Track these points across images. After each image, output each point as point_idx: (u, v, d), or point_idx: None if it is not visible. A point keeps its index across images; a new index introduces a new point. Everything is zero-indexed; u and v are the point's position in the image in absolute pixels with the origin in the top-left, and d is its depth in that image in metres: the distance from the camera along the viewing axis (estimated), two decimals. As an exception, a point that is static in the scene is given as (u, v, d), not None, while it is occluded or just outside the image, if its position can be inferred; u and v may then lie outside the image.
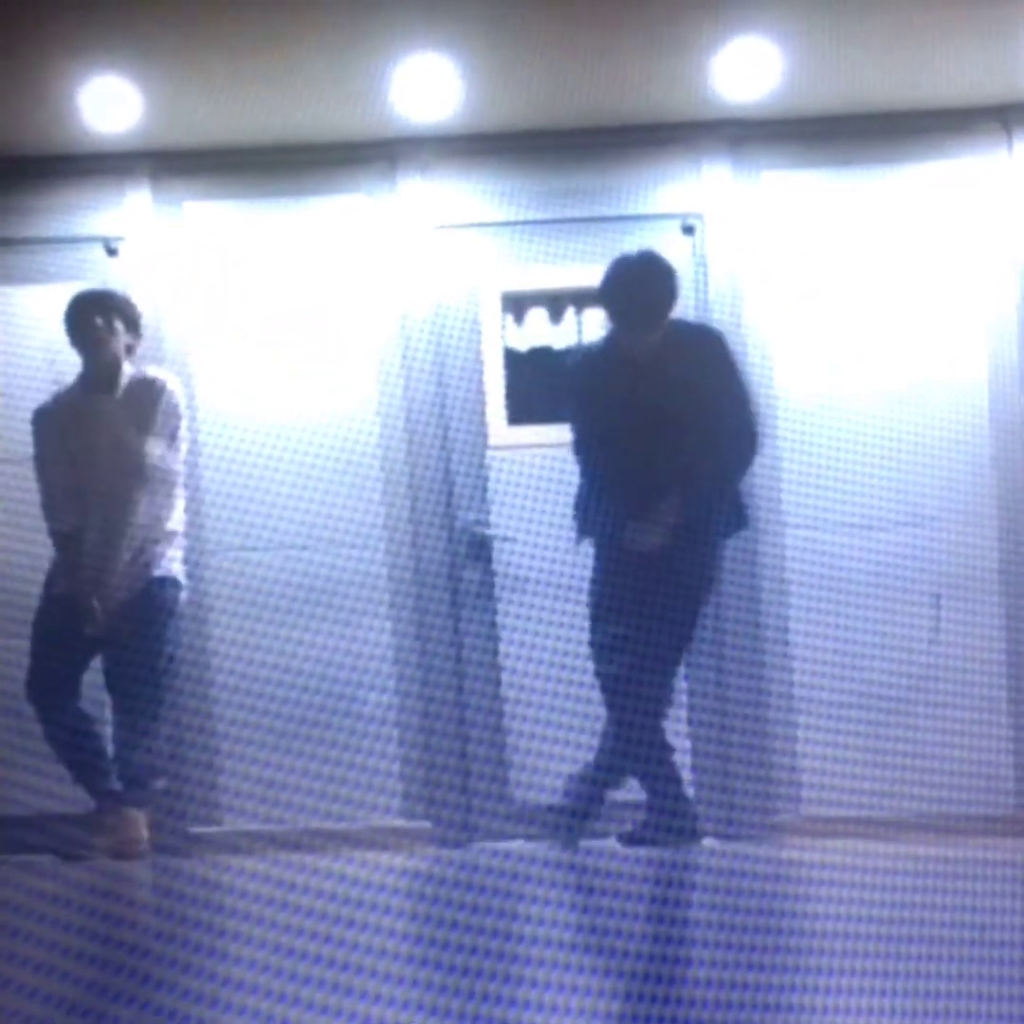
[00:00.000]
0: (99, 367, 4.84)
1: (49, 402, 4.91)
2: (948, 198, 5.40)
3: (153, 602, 4.72)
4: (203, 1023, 2.68)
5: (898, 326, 5.37)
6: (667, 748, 4.59)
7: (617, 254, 4.78)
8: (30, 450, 4.88)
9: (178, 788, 4.96)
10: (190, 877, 4.52)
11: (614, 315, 4.71)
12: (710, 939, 3.45)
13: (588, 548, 4.71)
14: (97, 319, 4.83)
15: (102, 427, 4.78)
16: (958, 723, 4.66)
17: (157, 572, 4.74)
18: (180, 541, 4.83)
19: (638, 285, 4.65)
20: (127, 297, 4.96)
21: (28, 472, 4.89)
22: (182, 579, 4.83)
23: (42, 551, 4.96)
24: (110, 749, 4.74)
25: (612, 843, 4.62)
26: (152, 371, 4.89)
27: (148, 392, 4.80)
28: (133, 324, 4.90)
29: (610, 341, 4.78)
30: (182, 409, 4.84)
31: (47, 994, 2.95)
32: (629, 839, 4.59)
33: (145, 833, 4.74)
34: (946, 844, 4.48)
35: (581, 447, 4.74)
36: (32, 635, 4.78)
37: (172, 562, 4.79)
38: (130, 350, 4.88)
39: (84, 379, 4.88)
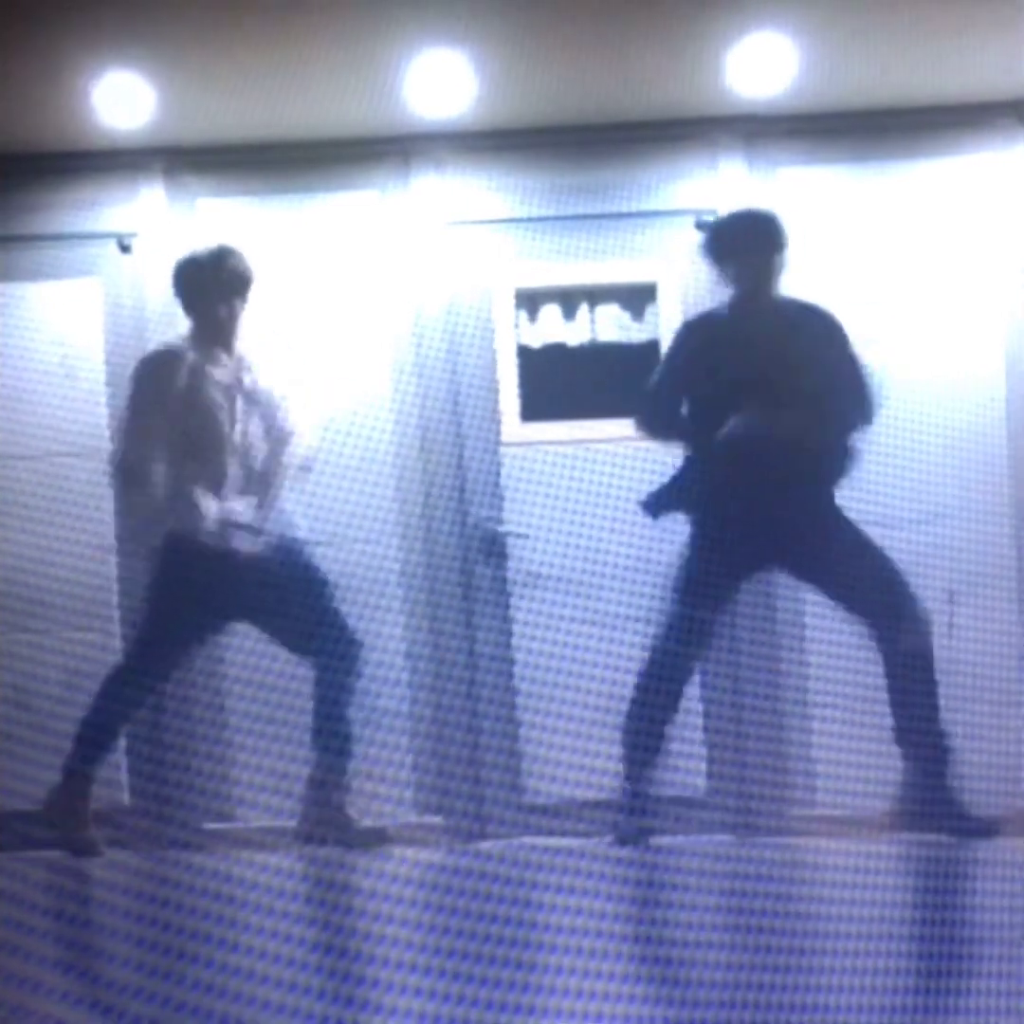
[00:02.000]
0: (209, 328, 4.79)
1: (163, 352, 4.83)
2: (964, 193, 5.39)
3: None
4: (217, 1017, 2.67)
5: (914, 322, 5.36)
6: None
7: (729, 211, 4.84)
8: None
9: (191, 783, 4.97)
10: (203, 872, 4.52)
11: (722, 270, 4.69)
12: (726, 936, 3.44)
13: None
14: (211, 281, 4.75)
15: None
16: (974, 719, 4.65)
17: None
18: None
19: (747, 238, 4.67)
20: (240, 255, 4.83)
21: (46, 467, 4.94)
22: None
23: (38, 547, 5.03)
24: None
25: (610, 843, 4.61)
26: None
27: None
28: (243, 284, 4.80)
29: (719, 315, 4.77)
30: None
31: (58, 989, 2.94)
32: (623, 839, 4.56)
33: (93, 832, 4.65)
34: (962, 842, 4.46)
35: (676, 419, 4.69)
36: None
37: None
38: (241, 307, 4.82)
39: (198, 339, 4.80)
